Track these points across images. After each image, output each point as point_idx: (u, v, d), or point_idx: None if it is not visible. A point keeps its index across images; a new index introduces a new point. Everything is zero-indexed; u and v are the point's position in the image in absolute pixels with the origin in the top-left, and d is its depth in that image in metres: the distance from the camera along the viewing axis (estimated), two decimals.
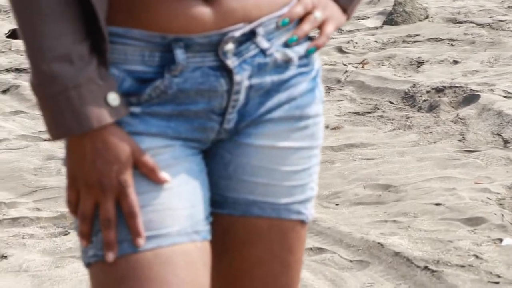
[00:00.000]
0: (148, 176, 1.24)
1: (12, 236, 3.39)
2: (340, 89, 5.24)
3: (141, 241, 1.24)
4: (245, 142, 1.37)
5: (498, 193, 3.56)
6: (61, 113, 1.21)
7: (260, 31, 1.29)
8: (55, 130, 1.21)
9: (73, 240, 3.33)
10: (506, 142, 4.29)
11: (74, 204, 1.24)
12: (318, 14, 1.36)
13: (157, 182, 1.25)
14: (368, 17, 6.13)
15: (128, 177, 1.23)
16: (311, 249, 2.98)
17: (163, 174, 1.25)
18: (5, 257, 3.13)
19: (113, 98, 1.22)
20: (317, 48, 1.36)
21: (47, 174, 4.06)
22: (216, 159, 1.38)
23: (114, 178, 1.24)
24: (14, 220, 3.62)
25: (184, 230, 1.27)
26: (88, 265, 1.24)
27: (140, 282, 1.25)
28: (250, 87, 1.31)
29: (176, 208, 1.28)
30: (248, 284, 1.41)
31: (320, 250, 3.04)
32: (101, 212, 1.22)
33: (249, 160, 1.38)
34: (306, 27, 1.34)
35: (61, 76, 1.20)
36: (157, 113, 1.28)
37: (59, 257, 3.09)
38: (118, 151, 1.24)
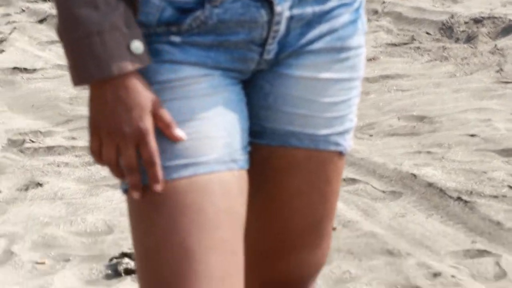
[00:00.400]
0: (164, 131, 1.24)
1: (47, 164, 3.48)
2: (377, 20, 5.26)
3: (158, 187, 1.25)
4: (286, 73, 1.35)
5: None
6: (83, 59, 1.21)
7: None
8: (77, 76, 1.21)
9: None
10: None
11: (97, 153, 1.25)
12: None
13: (172, 139, 1.25)
14: None
15: (148, 124, 1.23)
16: (344, 179, 2.95)
17: (179, 131, 1.25)
18: (41, 184, 3.23)
19: (137, 47, 1.21)
20: None
21: (82, 104, 4.09)
22: (256, 89, 1.37)
23: (134, 125, 1.23)
24: (50, 149, 3.70)
25: (221, 158, 1.27)
26: (125, 191, 1.25)
27: (176, 209, 1.25)
28: (291, 18, 1.29)
29: (213, 136, 1.27)
30: (287, 216, 1.41)
31: (353, 180, 3.08)
32: (123, 159, 1.23)
33: (289, 91, 1.36)
34: None
35: (85, 21, 1.20)
36: (197, 43, 1.28)
37: (93, 185, 3.17)
38: (138, 98, 1.24)
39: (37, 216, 2.97)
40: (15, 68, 5.04)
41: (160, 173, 1.22)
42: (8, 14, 6.23)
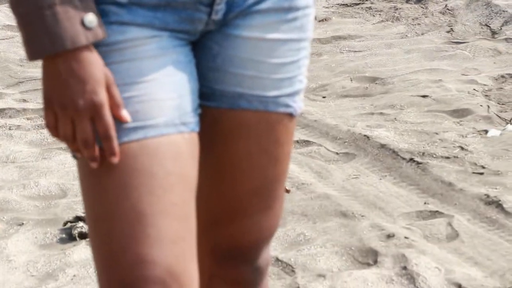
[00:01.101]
0: (111, 110, 1.22)
1: None
2: None
3: (115, 159, 1.25)
4: (234, 34, 1.33)
5: (485, 85, 3.59)
6: (36, 33, 1.20)
7: None
8: (30, 51, 1.19)
9: None
10: (494, 33, 4.29)
11: (53, 127, 1.23)
12: None
13: (118, 119, 1.24)
14: None
15: (103, 97, 1.21)
16: (297, 141, 3.01)
17: (125, 113, 1.22)
18: None
19: (90, 21, 1.19)
20: None
21: (34, 66, 3.99)
22: (205, 51, 1.35)
23: (88, 99, 1.22)
24: (1, 112, 3.59)
25: (171, 121, 1.25)
26: (74, 156, 1.24)
27: (126, 172, 1.23)
28: None
29: (163, 99, 1.25)
30: (237, 178, 1.40)
31: (307, 142, 3.07)
32: (78, 132, 1.21)
33: (237, 52, 1.34)
34: None
35: (19, 6, 1.18)
36: (144, 3, 1.24)
37: (46, 148, 3.12)
38: (92, 71, 1.21)
39: None
40: None
41: (116, 146, 1.22)
42: None
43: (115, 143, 1.20)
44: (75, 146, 1.20)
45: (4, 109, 3.61)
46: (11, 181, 2.98)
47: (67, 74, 1.18)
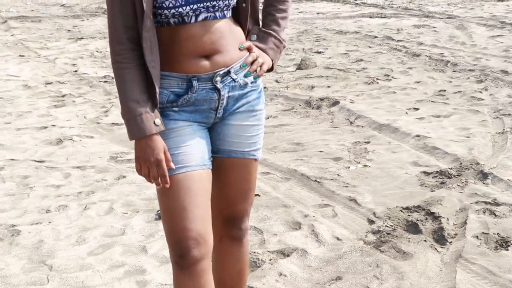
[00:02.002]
0: (166, 162, 1.89)
1: None
2: (275, 98, 6.09)
3: (167, 185, 1.89)
4: (227, 123, 2.03)
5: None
6: (133, 127, 1.87)
7: (232, 70, 1.98)
8: (130, 135, 1.86)
9: None
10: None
11: (138, 171, 1.90)
12: (260, 60, 2.08)
13: (169, 167, 1.91)
14: (289, 66, 7.69)
15: (162, 157, 1.86)
16: (262, 172, 3.79)
17: (172, 164, 1.90)
18: None
19: (157, 122, 1.88)
20: (259, 76, 2.08)
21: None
22: (213, 131, 2.04)
23: (155, 157, 1.86)
24: None
25: (199, 163, 1.93)
26: (156, 185, 1.92)
27: (178, 188, 1.90)
28: (228, 97, 1.99)
29: (194, 153, 1.93)
30: (231, 188, 2.10)
31: (267, 172, 4.22)
32: (151, 172, 1.89)
33: (229, 131, 2.04)
34: (254, 67, 2.05)
35: (133, 110, 1.87)
36: (185, 110, 1.95)
37: None
38: (157, 145, 1.88)
39: None
40: None
41: (168, 180, 1.88)
42: None
43: (167, 178, 1.87)
44: (149, 179, 1.90)
45: None
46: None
47: (146, 146, 1.88)
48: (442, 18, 9.99)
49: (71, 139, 5.35)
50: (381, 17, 10.51)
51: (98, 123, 5.85)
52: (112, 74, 6.48)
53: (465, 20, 9.67)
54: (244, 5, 2.05)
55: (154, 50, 1.89)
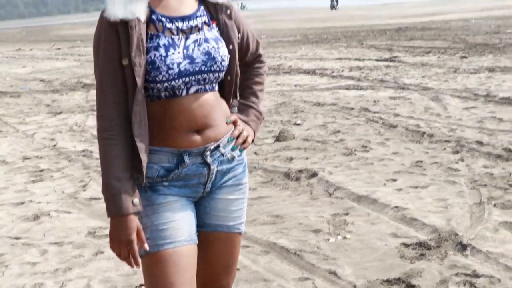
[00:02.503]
0: (139, 242, 1.94)
1: None
2: (254, 171, 6.47)
3: (136, 266, 1.95)
4: (213, 196, 2.12)
5: None
6: (111, 205, 1.93)
7: (221, 145, 2.06)
8: (108, 212, 1.94)
9: None
10: None
11: (113, 249, 1.97)
12: (245, 133, 2.16)
13: (143, 248, 1.96)
14: (267, 138, 7.74)
15: (134, 237, 1.92)
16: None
17: (146, 245, 1.95)
18: None
19: (135, 202, 1.94)
20: (244, 148, 2.17)
21: None
22: (200, 205, 2.12)
23: (126, 237, 1.92)
24: None
25: (186, 238, 2.00)
26: (141, 256, 1.96)
27: (165, 264, 1.94)
28: (217, 171, 2.08)
29: (183, 228, 2.00)
30: (215, 262, 2.14)
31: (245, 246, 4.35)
32: (122, 253, 1.94)
33: (215, 205, 2.13)
34: (240, 140, 2.13)
35: (113, 187, 1.92)
36: (175, 185, 2.03)
37: None
38: (130, 225, 1.93)
39: None
40: None
41: (138, 261, 1.94)
42: None
43: (138, 260, 1.93)
44: (123, 258, 1.97)
45: None
46: None
47: (119, 225, 1.93)
48: (417, 90, 10.18)
49: (49, 214, 5.32)
50: (358, 89, 10.69)
51: (76, 197, 5.82)
52: (91, 148, 6.56)
53: (439, 92, 9.86)
54: (229, 78, 2.10)
55: (143, 124, 1.92)
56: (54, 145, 8.16)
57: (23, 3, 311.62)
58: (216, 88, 2.09)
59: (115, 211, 1.92)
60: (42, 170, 6.93)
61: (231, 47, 2.10)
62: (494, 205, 4.88)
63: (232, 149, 2.08)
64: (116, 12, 1.92)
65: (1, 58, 24.74)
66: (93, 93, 12.53)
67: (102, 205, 5.00)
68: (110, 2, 1.94)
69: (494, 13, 27.38)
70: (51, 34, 49.19)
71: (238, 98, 2.24)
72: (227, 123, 2.06)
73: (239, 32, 2.17)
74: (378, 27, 25.35)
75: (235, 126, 2.12)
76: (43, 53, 25.69)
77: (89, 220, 5.14)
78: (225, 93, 2.14)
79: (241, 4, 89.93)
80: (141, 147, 1.90)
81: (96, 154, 7.38)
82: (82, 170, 6.82)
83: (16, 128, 9.51)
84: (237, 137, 2.11)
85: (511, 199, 4.98)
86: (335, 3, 54.15)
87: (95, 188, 6.04)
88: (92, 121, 9.60)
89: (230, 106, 2.18)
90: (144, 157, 1.92)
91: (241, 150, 2.12)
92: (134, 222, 1.92)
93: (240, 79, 2.25)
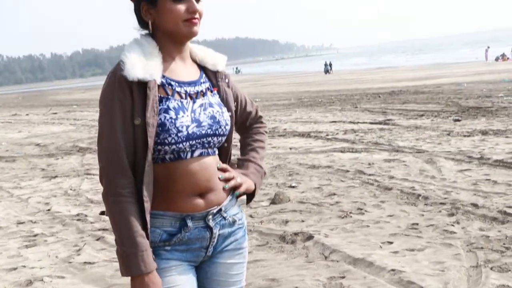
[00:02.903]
0: None
1: None
2: (249, 233, 6.41)
3: None
4: (215, 261, 2.14)
5: None
6: (135, 263, 1.92)
7: (223, 209, 2.10)
8: (130, 271, 1.92)
9: None
10: None
11: None
12: (238, 179, 2.16)
13: None
14: (263, 200, 7.74)
15: None
16: None
17: None
18: None
19: (154, 258, 1.96)
20: (240, 194, 2.19)
21: None
22: (201, 269, 2.14)
23: None
24: None
25: None
26: None
27: None
28: (219, 235, 2.10)
29: None
30: None
31: None
32: None
33: (216, 269, 2.14)
34: (231, 182, 2.14)
35: (140, 244, 1.91)
36: (177, 249, 2.03)
37: None
38: (158, 281, 1.94)
39: None
40: None
41: None
42: None
43: None
44: None
45: None
46: None
47: (148, 282, 1.93)
48: (411, 153, 10.24)
49: (42, 280, 5.27)
50: (353, 152, 10.74)
51: (70, 262, 5.76)
52: (85, 212, 6.49)
53: (433, 154, 9.92)
54: (225, 144, 2.15)
55: (150, 185, 1.93)
56: (49, 210, 8.12)
57: (21, 69, 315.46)
58: (217, 152, 2.13)
59: (144, 269, 1.90)
60: (36, 235, 6.88)
61: (230, 114, 2.17)
62: (491, 268, 4.85)
63: (230, 201, 2.12)
64: (136, 72, 1.97)
65: None
66: (88, 157, 12.59)
67: (96, 269, 5.40)
68: (129, 63, 1.98)
69: (485, 77, 27.76)
70: (47, 99, 49.63)
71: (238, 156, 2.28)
72: (224, 189, 2.08)
73: (236, 100, 2.26)
74: (372, 90, 25.64)
75: (226, 171, 2.15)
76: (39, 118, 25.87)
77: (83, 285, 5.08)
78: (221, 159, 2.17)
79: (236, 68, 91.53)
80: (147, 208, 1.93)
81: (91, 218, 7.37)
82: (76, 234, 6.76)
83: (11, 192, 9.49)
84: (231, 182, 2.15)
85: (508, 262, 4.96)
86: (329, 67, 55.01)
87: (90, 252, 5.99)
88: (87, 185, 9.60)
89: (230, 165, 2.21)
90: (148, 217, 1.94)
91: (234, 195, 2.13)
92: (159, 277, 1.94)
93: (241, 140, 2.32)
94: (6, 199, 8.99)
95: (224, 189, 2.08)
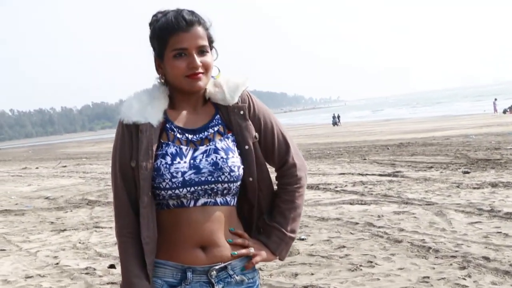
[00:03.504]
0: None
1: None
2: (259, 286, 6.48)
3: None
4: None
5: None
6: None
7: (229, 266, 2.03)
8: None
9: None
10: None
11: None
12: (252, 250, 2.10)
13: None
14: None
15: None
16: None
17: None
18: None
19: None
20: (246, 268, 2.10)
21: None
22: None
23: None
24: None
25: None
26: None
27: None
28: None
29: None
30: None
31: None
32: None
33: None
34: (243, 251, 2.08)
35: (135, 285, 1.97)
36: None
37: None
38: None
39: None
40: None
41: None
42: None
43: None
44: None
45: None
46: None
47: None
48: (421, 205, 10.19)
49: None
50: (362, 204, 10.70)
51: None
52: (94, 265, 6.54)
53: (443, 206, 9.87)
54: (250, 179, 2.08)
55: (151, 226, 1.94)
56: (57, 263, 8.09)
57: (31, 123, 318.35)
58: (232, 203, 2.07)
59: None
60: None
61: (246, 147, 2.10)
62: None
63: (241, 270, 2.06)
64: (130, 115, 2.03)
65: (7, 176, 24.99)
66: (97, 209, 12.61)
67: None
68: (126, 105, 2.06)
69: (493, 129, 27.77)
70: (57, 152, 49.91)
71: (266, 217, 2.18)
72: (230, 232, 2.04)
73: (259, 129, 2.15)
74: (380, 142, 25.67)
75: (242, 238, 2.09)
76: (48, 171, 25.98)
77: None
78: (248, 196, 2.11)
79: None
80: (147, 249, 1.93)
81: (99, 272, 7.34)
82: None
83: (20, 246, 9.48)
84: (243, 251, 2.09)
85: None
86: (337, 119, 55.24)
87: None
88: (95, 238, 9.59)
89: (257, 227, 2.15)
90: (149, 260, 1.94)
91: (242, 269, 2.06)
92: None
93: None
94: (14, 253, 8.98)
95: (230, 231, 2.05)
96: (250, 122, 2.14)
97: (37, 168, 29.52)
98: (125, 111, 2.06)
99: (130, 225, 1.99)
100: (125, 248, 1.97)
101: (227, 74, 2.21)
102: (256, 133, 2.15)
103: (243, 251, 2.06)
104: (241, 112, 2.13)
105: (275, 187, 2.24)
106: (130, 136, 2.04)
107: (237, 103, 2.14)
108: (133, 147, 2.03)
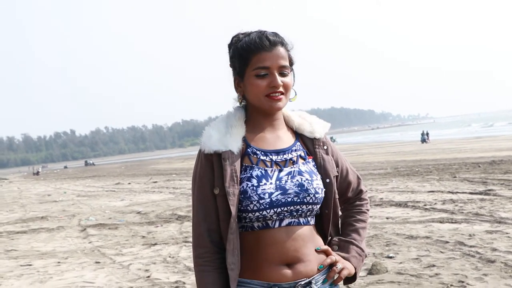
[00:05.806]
0: None
1: None
2: None
3: None
4: None
5: None
6: None
7: (313, 281, 2.06)
8: None
9: None
10: None
11: None
12: (339, 265, 2.12)
13: None
14: (360, 271, 7.73)
15: None
16: None
17: None
18: None
19: None
20: (335, 283, 2.13)
21: None
22: None
23: None
24: None
25: None
26: None
27: None
28: None
29: None
30: None
31: None
32: None
33: None
34: (331, 273, 2.10)
35: None
36: None
37: None
38: None
39: None
40: None
41: None
42: None
43: None
44: None
45: None
46: None
47: None
48: None
49: None
50: (452, 222, 10.46)
51: None
52: (183, 279, 6.67)
53: None
54: (326, 211, 2.14)
55: (236, 252, 1.97)
56: (148, 276, 8.28)
57: (124, 140, 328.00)
58: (312, 222, 2.12)
59: None
60: None
61: (328, 180, 2.15)
62: None
63: (323, 282, 2.07)
64: (211, 145, 2.07)
65: (101, 191, 25.81)
66: (186, 224, 12.85)
67: None
68: (206, 136, 2.10)
69: None
70: (148, 168, 51.12)
71: (340, 235, 2.25)
72: (316, 251, 2.06)
73: (337, 166, 2.25)
74: (471, 160, 24.99)
75: (327, 255, 2.12)
76: (140, 187, 26.66)
77: None
78: (323, 227, 2.16)
79: (331, 138, 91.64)
80: (232, 275, 1.96)
81: (189, 286, 7.48)
82: None
83: (113, 259, 9.77)
84: (331, 270, 2.10)
85: None
86: (425, 136, 54.13)
87: None
88: (185, 253, 9.77)
89: (330, 244, 2.19)
90: (233, 285, 1.97)
91: (325, 281, 2.09)
92: None
93: (342, 216, 2.29)
94: (108, 266, 9.26)
95: (316, 250, 2.07)
96: (332, 158, 2.22)
97: (129, 183, 30.32)
98: (205, 141, 2.09)
99: (208, 255, 2.03)
100: (201, 277, 2.01)
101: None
102: (338, 168, 2.25)
103: (328, 260, 2.10)
104: (325, 147, 2.21)
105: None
106: (211, 165, 2.08)
107: (322, 138, 2.23)
108: (215, 175, 2.07)
